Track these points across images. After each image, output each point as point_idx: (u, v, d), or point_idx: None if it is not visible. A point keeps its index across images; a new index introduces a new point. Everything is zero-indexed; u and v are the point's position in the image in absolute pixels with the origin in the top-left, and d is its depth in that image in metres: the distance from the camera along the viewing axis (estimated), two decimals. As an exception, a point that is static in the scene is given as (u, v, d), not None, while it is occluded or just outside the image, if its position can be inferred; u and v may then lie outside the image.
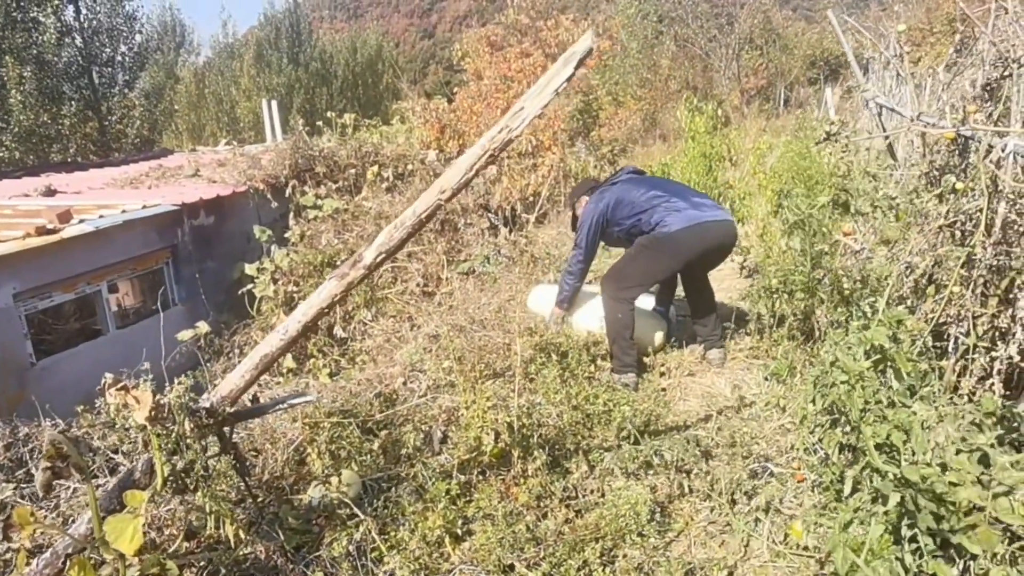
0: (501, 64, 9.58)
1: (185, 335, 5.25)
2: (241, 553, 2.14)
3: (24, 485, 4.14)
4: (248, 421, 2.60)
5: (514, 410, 2.70)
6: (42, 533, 1.78)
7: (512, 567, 2.21)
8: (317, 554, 2.22)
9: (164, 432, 1.65)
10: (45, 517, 2.61)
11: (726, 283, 5.34)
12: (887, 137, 3.23)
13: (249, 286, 5.83)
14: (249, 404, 2.20)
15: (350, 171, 7.23)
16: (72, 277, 5.47)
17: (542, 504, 2.52)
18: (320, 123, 8.96)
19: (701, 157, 5.72)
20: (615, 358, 3.68)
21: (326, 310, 1.87)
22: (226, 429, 1.90)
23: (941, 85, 2.87)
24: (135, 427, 1.66)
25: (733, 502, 2.55)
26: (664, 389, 3.56)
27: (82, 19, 16.06)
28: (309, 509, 2.46)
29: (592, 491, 2.64)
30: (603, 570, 2.20)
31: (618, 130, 11.70)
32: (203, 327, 5.26)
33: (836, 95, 13.01)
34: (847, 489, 1.73)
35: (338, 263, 6.30)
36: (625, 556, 2.29)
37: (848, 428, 1.92)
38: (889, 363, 1.78)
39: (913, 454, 1.67)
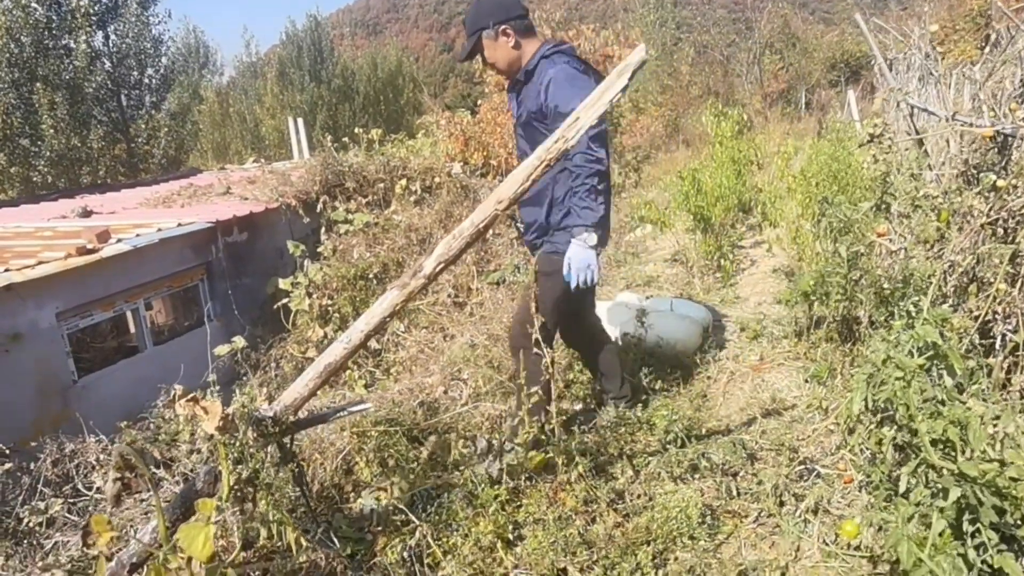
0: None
1: (222, 350, 5.34)
2: (299, 562, 2.18)
3: (72, 500, 4.24)
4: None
5: (554, 419, 2.72)
6: (117, 541, 1.83)
7: (565, 571, 2.23)
8: (372, 561, 2.26)
9: (230, 442, 1.70)
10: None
11: (759, 287, 5.33)
12: (921, 141, 3.23)
13: (284, 300, 5.91)
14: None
15: (379, 185, 7.32)
16: (111, 295, 5.59)
17: (590, 509, 2.54)
18: (346, 139, 9.08)
19: (730, 162, 5.73)
20: (612, 381, 3.24)
21: (388, 319, 1.92)
22: (286, 439, 1.95)
23: (978, 83, 2.87)
24: (202, 437, 1.71)
25: (781, 504, 2.55)
26: (705, 395, 3.56)
27: (111, 44, 16.45)
28: (361, 517, 2.50)
29: (639, 495, 2.66)
30: (655, 573, 2.21)
31: (640, 137, 11.72)
32: (239, 342, 5.36)
33: (857, 96, 12.93)
34: (902, 486, 1.73)
35: (370, 276, 6.38)
36: (676, 559, 2.31)
37: (899, 426, 1.92)
38: (941, 360, 1.78)
39: (966, 450, 1.68)
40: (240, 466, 1.73)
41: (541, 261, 2.93)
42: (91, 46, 15.79)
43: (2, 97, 14.72)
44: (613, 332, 3.95)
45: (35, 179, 14.99)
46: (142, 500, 3.68)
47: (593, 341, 3.26)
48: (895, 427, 1.97)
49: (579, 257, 2.68)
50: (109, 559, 1.79)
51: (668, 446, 2.82)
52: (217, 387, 2.70)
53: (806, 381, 3.56)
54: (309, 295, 6.02)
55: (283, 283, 6.10)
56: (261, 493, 1.82)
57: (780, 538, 2.43)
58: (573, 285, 2.72)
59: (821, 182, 4.79)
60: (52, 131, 14.92)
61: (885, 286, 2.94)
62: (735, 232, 6.08)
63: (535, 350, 2.69)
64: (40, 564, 2.59)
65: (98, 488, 4.09)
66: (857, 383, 1.98)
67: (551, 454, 2.65)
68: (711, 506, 2.56)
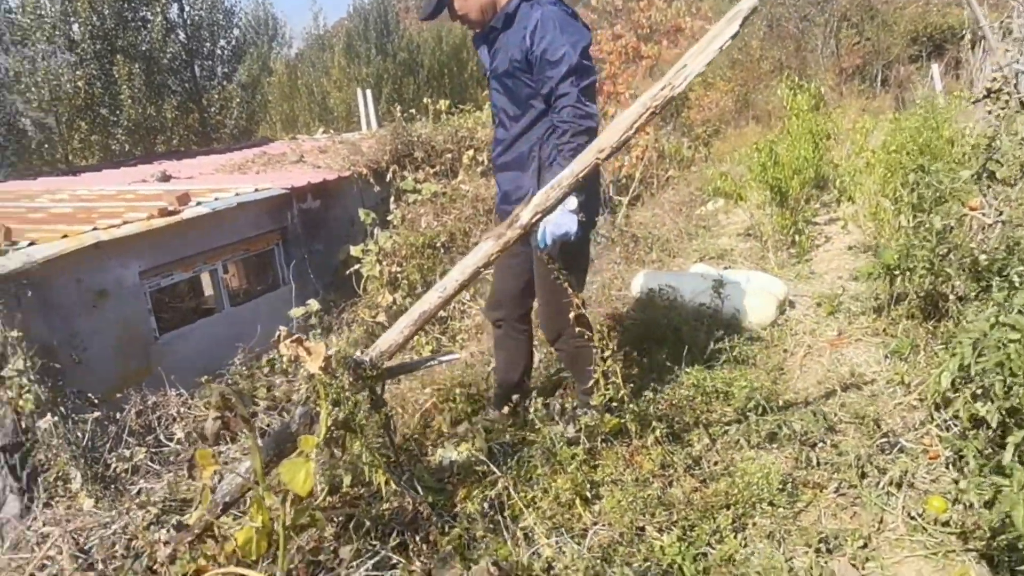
0: (592, 46, 9.54)
1: (297, 312, 5.51)
2: (384, 508, 2.25)
3: (154, 449, 4.47)
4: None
5: (622, 389, 2.71)
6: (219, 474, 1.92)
7: (643, 530, 2.25)
8: (454, 511, 2.31)
9: (329, 384, 1.76)
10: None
11: (834, 263, 5.19)
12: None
13: (356, 266, 6.04)
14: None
15: (447, 156, 7.39)
16: (190, 256, 5.79)
17: (667, 473, 2.54)
18: (412, 111, 9.16)
19: (807, 134, 5.56)
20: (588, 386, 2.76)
21: (481, 269, 1.95)
22: (377, 386, 2.00)
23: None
24: (303, 378, 1.78)
25: (863, 476, 2.50)
26: (781, 368, 3.50)
27: (185, 15, 16.90)
28: (440, 469, 2.56)
29: (716, 463, 2.64)
30: (734, 536, 2.21)
31: (709, 112, 11.47)
32: (314, 304, 5.51)
33: (941, 71, 12.31)
34: (1007, 458, 1.67)
35: (438, 244, 6.45)
36: (755, 524, 2.29)
37: (1000, 396, 1.85)
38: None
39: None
40: (337, 408, 1.79)
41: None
42: (167, 18, 16.27)
43: (85, 68, 15.32)
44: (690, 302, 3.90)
45: (114, 147, 15.61)
46: (221, 453, 3.83)
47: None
48: (994, 399, 1.90)
49: (557, 222, 2.33)
50: (213, 491, 1.88)
51: (748, 414, 2.79)
52: (319, 331, 2.79)
53: (886, 357, 3.46)
54: (379, 262, 6.13)
55: (354, 250, 6.23)
56: (354, 436, 1.88)
57: (861, 510, 2.39)
58: (544, 247, 2.42)
59: (908, 154, 4.60)
60: (130, 101, 15.47)
61: (982, 258, 2.82)
62: (809, 208, 5.92)
63: (577, 331, 2.59)
64: (137, 501, 2.72)
65: (178, 439, 4.30)
66: (956, 352, 1.92)
67: (626, 418, 2.65)
68: (790, 475, 2.53)
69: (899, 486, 2.44)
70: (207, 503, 1.78)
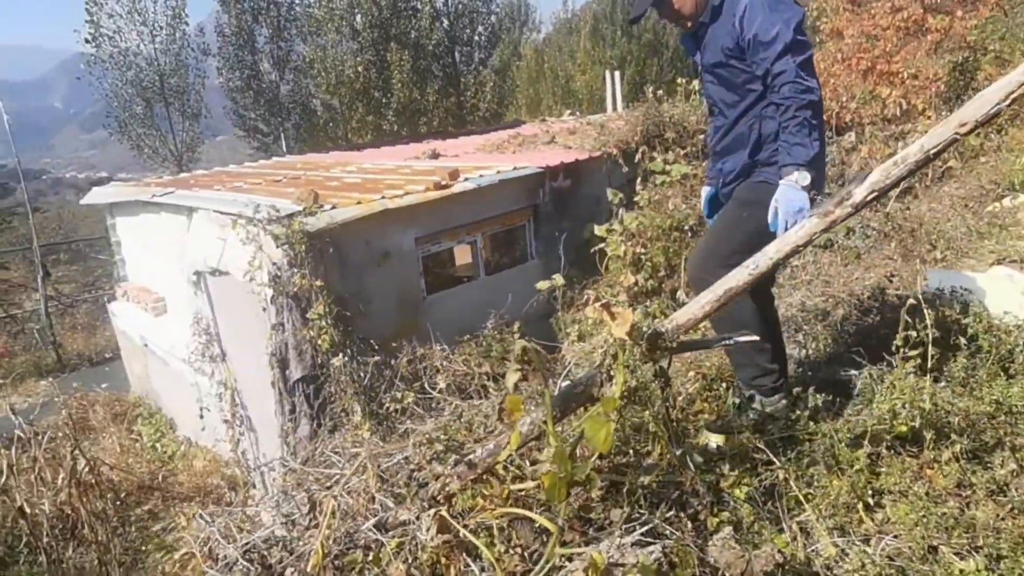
0: (865, 21, 8.73)
1: (543, 285, 5.76)
2: (653, 480, 2.29)
3: (419, 395, 4.93)
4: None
5: (927, 389, 2.49)
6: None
7: (936, 549, 2.06)
8: (720, 494, 2.29)
9: (628, 351, 1.83)
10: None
11: None
12: None
13: (600, 245, 6.15)
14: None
15: (699, 137, 7.21)
16: (456, 227, 6.28)
17: (963, 494, 2.30)
18: (660, 91, 9.04)
19: None
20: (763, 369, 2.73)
21: (801, 248, 1.90)
22: (663, 360, 2.04)
23: None
24: (606, 341, 1.86)
25: None
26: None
27: (449, 4, 18.19)
28: (704, 451, 2.55)
29: (1029, 492, 2.33)
30: (1059, 581, 1.94)
31: (1004, 95, 9.93)
32: (559, 279, 5.72)
33: None
34: None
35: (685, 228, 6.35)
36: (1086, 571, 1.99)
37: None
38: None
39: None
40: (632, 375, 1.85)
41: (743, 189, 2.69)
42: (434, 6, 17.65)
43: (363, 55, 17.15)
44: (988, 307, 3.45)
45: (384, 127, 17.33)
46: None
47: (768, 308, 2.87)
48: None
49: (789, 199, 2.35)
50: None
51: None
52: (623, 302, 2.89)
53: None
54: (624, 242, 6.18)
55: (599, 229, 6.33)
56: (642, 405, 1.94)
57: None
58: (780, 231, 2.33)
59: None
60: (399, 85, 17.06)
61: None
62: None
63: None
64: (424, 437, 3.01)
65: (440, 389, 4.72)
66: None
67: (917, 424, 2.44)
68: None
69: None
70: (515, 444, 1.93)
